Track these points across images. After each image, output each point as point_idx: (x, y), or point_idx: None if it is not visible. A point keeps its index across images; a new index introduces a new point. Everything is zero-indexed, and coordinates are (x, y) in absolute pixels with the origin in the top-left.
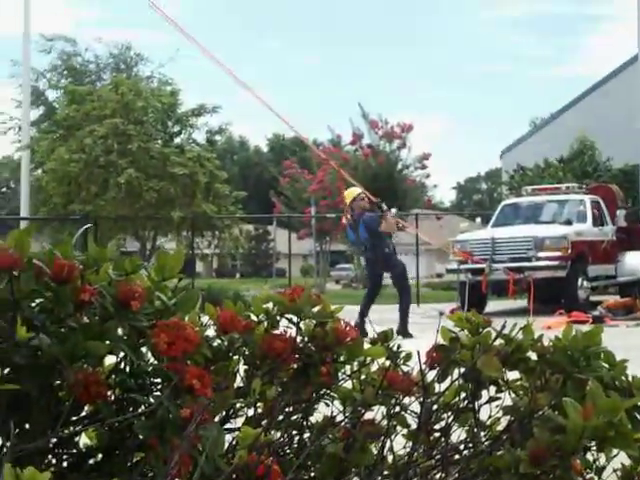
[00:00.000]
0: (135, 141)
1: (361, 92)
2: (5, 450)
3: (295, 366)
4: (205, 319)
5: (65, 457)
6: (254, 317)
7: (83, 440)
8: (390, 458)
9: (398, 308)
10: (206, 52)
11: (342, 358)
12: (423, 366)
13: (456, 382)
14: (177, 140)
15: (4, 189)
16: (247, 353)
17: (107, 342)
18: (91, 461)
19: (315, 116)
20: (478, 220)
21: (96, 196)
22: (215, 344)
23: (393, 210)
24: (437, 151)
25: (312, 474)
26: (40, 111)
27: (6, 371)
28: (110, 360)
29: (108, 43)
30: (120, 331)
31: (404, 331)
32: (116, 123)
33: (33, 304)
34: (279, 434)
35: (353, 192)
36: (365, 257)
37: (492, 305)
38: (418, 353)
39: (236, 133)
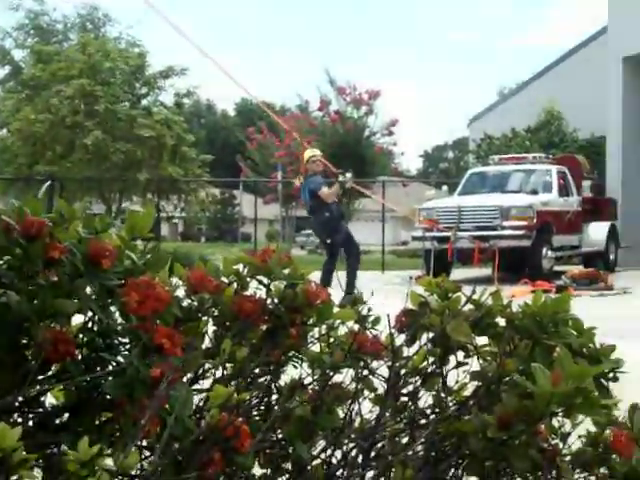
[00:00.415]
0: (102, 102)
1: (329, 58)
2: None
3: (265, 328)
4: (174, 281)
5: (31, 416)
6: (224, 278)
7: (49, 400)
8: (357, 422)
9: (346, 271)
10: (167, 20)
11: (312, 321)
12: (392, 330)
13: (425, 347)
14: (144, 102)
15: None
16: (217, 314)
17: (76, 300)
18: (58, 420)
19: (284, 82)
20: (444, 188)
21: (62, 157)
22: (185, 304)
23: (348, 175)
24: (404, 119)
25: (279, 436)
26: (6, 70)
27: None
28: (77, 319)
29: (76, 3)
30: (89, 290)
31: (350, 291)
32: (83, 84)
33: (0, 262)
34: (247, 396)
35: (308, 154)
36: (310, 222)
37: (457, 273)
38: (388, 317)
39: (204, 96)
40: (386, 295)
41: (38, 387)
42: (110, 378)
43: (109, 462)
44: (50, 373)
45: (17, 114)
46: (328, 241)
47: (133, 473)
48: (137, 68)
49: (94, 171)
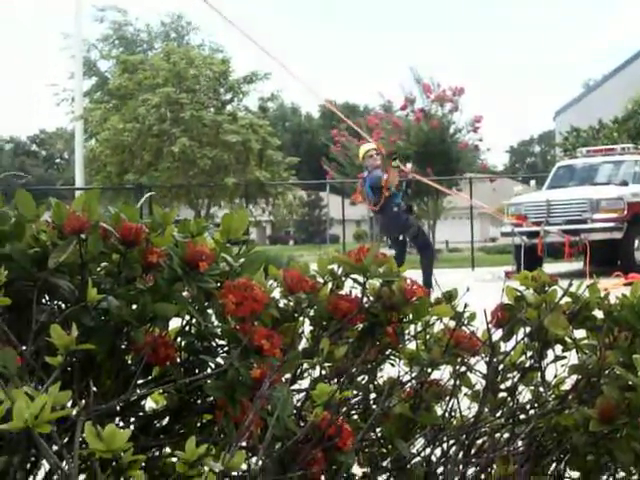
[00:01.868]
0: (188, 109)
1: (412, 57)
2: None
3: (361, 326)
4: (269, 282)
5: (132, 420)
6: (319, 278)
7: (148, 403)
8: (456, 418)
9: (420, 267)
10: (244, 33)
11: (408, 318)
12: (489, 325)
13: (522, 341)
14: (229, 107)
15: (58, 160)
16: (313, 314)
17: (174, 304)
18: (158, 423)
19: (366, 82)
20: (532, 183)
21: (150, 165)
22: (281, 305)
23: (409, 165)
24: (489, 114)
25: (379, 434)
26: (92, 82)
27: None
28: (173, 322)
29: (160, 12)
30: (186, 293)
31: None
32: (168, 92)
33: (98, 268)
34: (350, 394)
35: (363, 150)
36: (376, 219)
37: (547, 268)
38: (484, 312)
39: (288, 100)
40: (478, 291)
41: (139, 391)
42: (210, 380)
43: (215, 463)
44: (150, 377)
45: (105, 124)
46: (400, 237)
47: (237, 474)
48: (221, 74)
49: (182, 178)
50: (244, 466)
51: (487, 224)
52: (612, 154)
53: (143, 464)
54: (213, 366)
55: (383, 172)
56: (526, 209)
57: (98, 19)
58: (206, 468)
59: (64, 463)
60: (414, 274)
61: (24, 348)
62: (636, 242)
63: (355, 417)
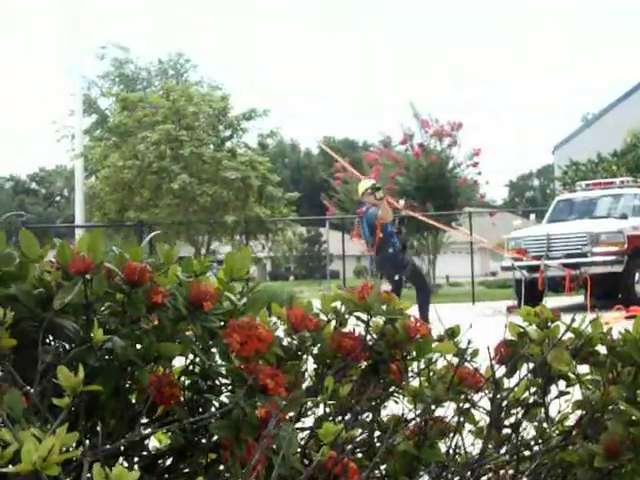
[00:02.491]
0: (187, 146)
1: (408, 92)
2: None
3: (365, 364)
4: (272, 320)
5: (136, 460)
6: (323, 316)
7: (152, 443)
8: (461, 455)
9: (417, 303)
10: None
11: (411, 355)
12: (492, 362)
13: (526, 377)
14: (229, 144)
15: (58, 197)
16: (316, 352)
17: (179, 343)
18: (162, 463)
19: (366, 118)
20: (532, 217)
21: (150, 202)
22: (285, 343)
23: (401, 202)
24: (487, 148)
25: (383, 472)
26: (92, 119)
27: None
28: (177, 361)
29: (159, 50)
30: (189, 332)
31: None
32: (168, 129)
33: (103, 308)
34: (356, 432)
35: (362, 187)
36: (372, 259)
37: (548, 302)
38: (488, 349)
39: (287, 136)
40: (480, 327)
41: (144, 431)
42: (215, 420)
43: None
44: (154, 417)
45: (105, 161)
46: (396, 277)
47: None
48: (220, 111)
49: (182, 215)
50: None
51: (487, 258)
52: (611, 187)
53: None
54: (217, 405)
55: (378, 209)
56: (526, 243)
57: (99, 56)
58: None
59: None
60: (413, 310)
61: (30, 389)
62: (636, 275)
63: (359, 455)
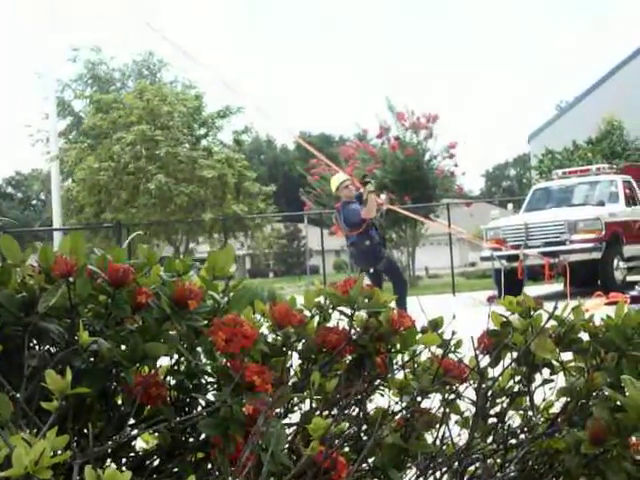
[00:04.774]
0: (163, 146)
1: (386, 86)
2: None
3: (350, 358)
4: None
5: (124, 460)
6: (306, 311)
7: (139, 443)
8: (447, 446)
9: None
10: (207, 67)
11: (396, 348)
12: (476, 352)
13: (510, 366)
14: (204, 142)
15: (35, 201)
16: (301, 347)
17: (164, 343)
18: (150, 463)
19: (341, 112)
20: (510, 206)
21: (127, 203)
22: (270, 339)
23: (383, 196)
24: (463, 140)
25: (371, 464)
26: (67, 122)
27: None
28: (162, 361)
29: (132, 50)
30: (173, 332)
31: None
32: (143, 129)
33: (86, 310)
34: (345, 427)
35: (336, 180)
36: (350, 252)
37: (528, 291)
38: (472, 339)
39: (262, 133)
40: (461, 317)
41: (131, 431)
42: (202, 418)
43: None
44: (141, 417)
45: (80, 164)
46: (371, 270)
47: None
48: (195, 110)
49: (159, 215)
50: None
51: (466, 249)
52: (587, 175)
53: None
54: (204, 404)
55: (361, 204)
56: (504, 233)
57: (72, 59)
58: None
59: None
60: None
61: (16, 394)
62: (615, 261)
63: (347, 449)
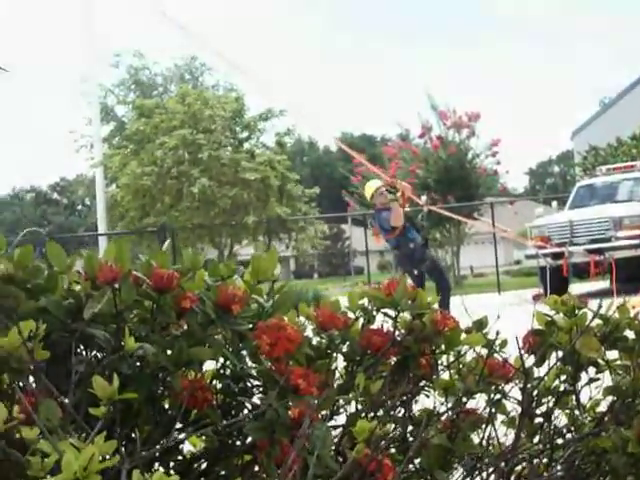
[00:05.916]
0: (205, 150)
1: (428, 84)
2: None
3: (395, 359)
4: (300, 319)
5: (172, 464)
6: (350, 314)
7: (186, 447)
8: (494, 446)
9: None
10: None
11: (440, 348)
12: (521, 352)
13: (555, 366)
14: (246, 145)
15: (80, 206)
16: (346, 350)
17: (209, 347)
18: (197, 466)
19: (383, 112)
20: (554, 204)
21: (171, 207)
22: (314, 342)
23: (423, 197)
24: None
25: (417, 466)
26: (110, 127)
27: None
28: (207, 365)
29: (175, 55)
30: (219, 336)
31: None
32: (185, 134)
33: (132, 316)
34: (390, 429)
35: (370, 187)
36: (393, 253)
37: (574, 288)
38: (517, 339)
39: (305, 134)
40: (507, 316)
41: (178, 435)
42: (248, 421)
43: None
44: (188, 421)
45: (124, 169)
46: (416, 272)
47: None
48: (236, 113)
49: (203, 218)
50: None
51: (511, 247)
52: (632, 171)
53: None
54: (250, 407)
55: (386, 215)
56: (549, 230)
57: (114, 64)
58: None
59: None
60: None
61: (65, 399)
62: None
63: (392, 450)
